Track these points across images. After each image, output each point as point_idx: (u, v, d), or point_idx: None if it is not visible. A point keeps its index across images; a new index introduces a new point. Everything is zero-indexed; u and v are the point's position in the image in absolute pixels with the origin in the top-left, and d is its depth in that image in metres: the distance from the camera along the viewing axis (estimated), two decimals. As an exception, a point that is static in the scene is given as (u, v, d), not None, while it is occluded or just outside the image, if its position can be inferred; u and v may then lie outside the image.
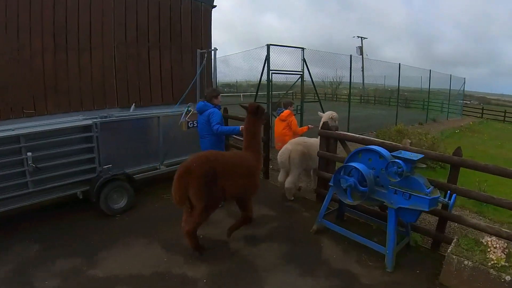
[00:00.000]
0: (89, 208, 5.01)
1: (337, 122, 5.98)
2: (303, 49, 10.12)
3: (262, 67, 9.42)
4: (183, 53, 8.64)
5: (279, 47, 9.67)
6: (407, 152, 3.92)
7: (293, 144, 5.63)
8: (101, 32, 7.47)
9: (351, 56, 12.14)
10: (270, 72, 9.33)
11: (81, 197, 4.85)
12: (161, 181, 6.17)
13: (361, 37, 39.60)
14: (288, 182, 5.63)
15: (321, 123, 5.71)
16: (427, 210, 3.54)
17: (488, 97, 56.64)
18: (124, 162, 5.41)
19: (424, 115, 18.66)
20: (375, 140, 4.75)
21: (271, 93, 9.52)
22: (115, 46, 7.69)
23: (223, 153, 4.24)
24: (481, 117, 25.62)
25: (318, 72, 12.69)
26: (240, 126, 4.78)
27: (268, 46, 9.30)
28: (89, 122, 4.94)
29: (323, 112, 6.42)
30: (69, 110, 7.11)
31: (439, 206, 3.99)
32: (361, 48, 38.81)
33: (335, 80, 28.90)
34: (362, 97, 33.26)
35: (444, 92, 21.49)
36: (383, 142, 4.59)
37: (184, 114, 5.69)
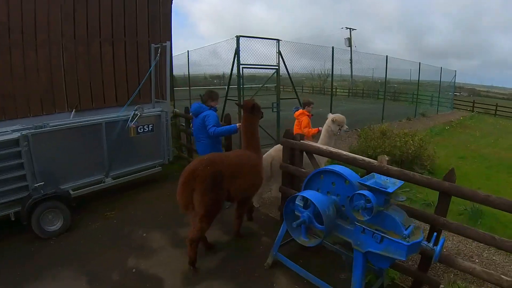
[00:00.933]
0: (25, 231, 4.46)
1: (344, 126, 5.59)
2: (278, 40, 9.12)
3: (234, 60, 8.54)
4: (139, 49, 7.68)
5: (252, 38, 8.80)
6: (381, 177, 2.97)
7: (277, 150, 5.11)
8: (47, 27, 6.47)
9: (333, 48, 11.24)
10: (241, 66, 8.47)
11: (13, 218, 4.41)
12: (107, 195, 5.70)
13: (350, 28, 38.47)
14: (275, 192, 5.31)
15: (325, 127, 5.53)
16: (404, 259, 2.60)
17: (477, 88, 56.49)
18: (62, 177, 4.97)
19: (413, 109, 17.81)
20: (344, 154, 3.79)
21: (242, 88, 8.54)
22: (63, 43, 6.71)
23: (227, 155, 4.14)
24: (472, 111, 24.87)
25: (305, 64, 12.20)
26: (237, 124, 4.73)
27: (238, 38, 8.36)
28: (16, 135, 4.40)
29: (301, 107, 6.39)
30: (15, 117, 6.21)
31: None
32: (349, 39, 37.68)
33: (323, 72, 28.13)
34: (351, 90, 32.38)
35: (435, 84, 20.70)
36: (355, 158, 3.64)
37: (130, 118, 5.38)
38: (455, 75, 22.43)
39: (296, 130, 6.35)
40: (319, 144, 4.58)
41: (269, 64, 9.11)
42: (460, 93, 44.74)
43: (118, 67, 7.42)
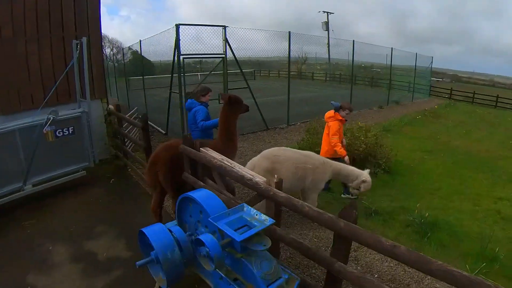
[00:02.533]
0: None
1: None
2: (224, 27, 8.31)
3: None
4: (66, 45, 6.82)
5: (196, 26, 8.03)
6: (251, 211, 2.17)
7: (261, 156, 4.63)
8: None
9: (289, 32, 10.33)
10: (182, 57, 7.63)
11: None
12: (32, 202, 5.31)
13: (327, 12, 37.34)
14: None
15: (351, 170, 4.86)
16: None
17: (459, 74, 56.66)
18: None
19: (385, 96, 17.08)
20: (234, 171, 2.95)
21: (184, 79, 7.61)
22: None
23: (213, 143, 4.28)
24: (449, 98, 24.43)
25: (273, 49, 11.48)
26: None
27: (177, 26, 7.52)
28: None
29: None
30: None
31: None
32: (326, 23, 36.62)
33: (301, 56, 27.34)
34: (328, 75, 31.61)
35: (412, 70, 20.05)
36: (243, 176, 2.87)
37: (44, 123, 5.15)
38: (432, 61, 21.83)
39: (324, 138, 5.75)
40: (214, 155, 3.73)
41: (215, 52, 8.32)
42: (442, 79, 44.69)
43: (45, 65, 6.65)
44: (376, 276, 3.82)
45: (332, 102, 5.71)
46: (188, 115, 5.27)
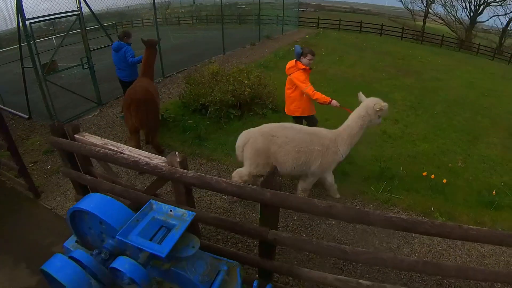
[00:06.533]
0: None
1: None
2: None
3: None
4: None
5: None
6: (162, 207, 1.84)
7: (259, 132, 4.01)
8: None
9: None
10: (27, 22, 6.03)
11: None
12: None
13: None
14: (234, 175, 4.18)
15: (361, 112, 4.04)
16: None
17: (322, 4, 60.67)
18: None
19: (256, 32, 17.20)
20: (123, 157, 2.49)
21: (36, 48, 6.14)
22: None
23: (142, 84, 5.08)
24: (317, 27, 26.03)
25: None
26: (142, 56, 5.79)
27: None
28: None
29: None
30: None
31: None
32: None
33: (164, 1, 25.48)
34: (194, 17, 30.37)
35: (280, 3, 20.45)
36: (137, 161, 2.43)
37: None
38: (299, -7, 22.64)
39: (287, 94, 4.94)
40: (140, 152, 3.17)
41: (69, 10, 6.82)
42: (307, 9, 47.21)
43: None
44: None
45: (296, 46, 4.90)
46: (115, 55, 6.28)
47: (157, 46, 5.93)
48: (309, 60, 4.71)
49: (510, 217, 4.41)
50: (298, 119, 5.02)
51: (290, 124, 4.26)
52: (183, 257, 1.69)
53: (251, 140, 3.96)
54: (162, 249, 1.51)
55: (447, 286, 3.26)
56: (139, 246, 1.54)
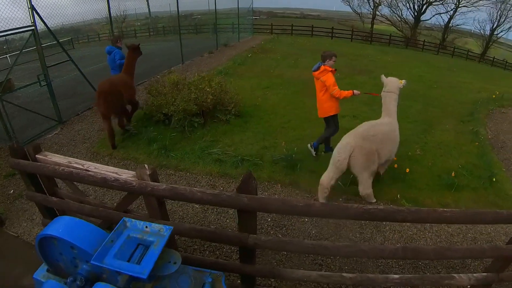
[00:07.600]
0: None
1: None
2: None
3: None
4: None
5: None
6: (137, 224, 1.75)
7: (357, 137, 4.16)
8: None
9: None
10: None
11: None
12: None
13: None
14: (361, 191, 4.30)
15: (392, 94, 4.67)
16: None
17: (274, 11, 61.98)
18: None
19: (214, 40, 17.29)
20: (90, 175, 2.36)
21: None
22: None
23: (119, 76, 6.11)
24: (271, 33, 26.53)
25: (88, 10, 10.46)
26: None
27: None
28: None
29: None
30: None
31: None
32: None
33: (119, 15, 24.87)
34: (150, 29, 29.93)
35: (235, 11, 20.67)
36: (105, 178, 2.30)
37: None
38: (252, 2, 22.99)
39: (319, 95, 5.22)
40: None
41: (22, 26, 6.38)
42: (259, 16, 47.94)
43: None
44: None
45: (319, 62, 5.18)
46: (108, 58, 6.95)
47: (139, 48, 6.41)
48: (334, 62, 5.10)
49: (470, 196, 4.68)
50: (328, 120, 5.42)
51: (370, 122, 4.61)
52: (165, 275, 1.61)
53: (356, 149, 4.09)
54: (142, 270, 1.43)
55: (423, 267, 3.37)
56: (117, 270, 1.45)
